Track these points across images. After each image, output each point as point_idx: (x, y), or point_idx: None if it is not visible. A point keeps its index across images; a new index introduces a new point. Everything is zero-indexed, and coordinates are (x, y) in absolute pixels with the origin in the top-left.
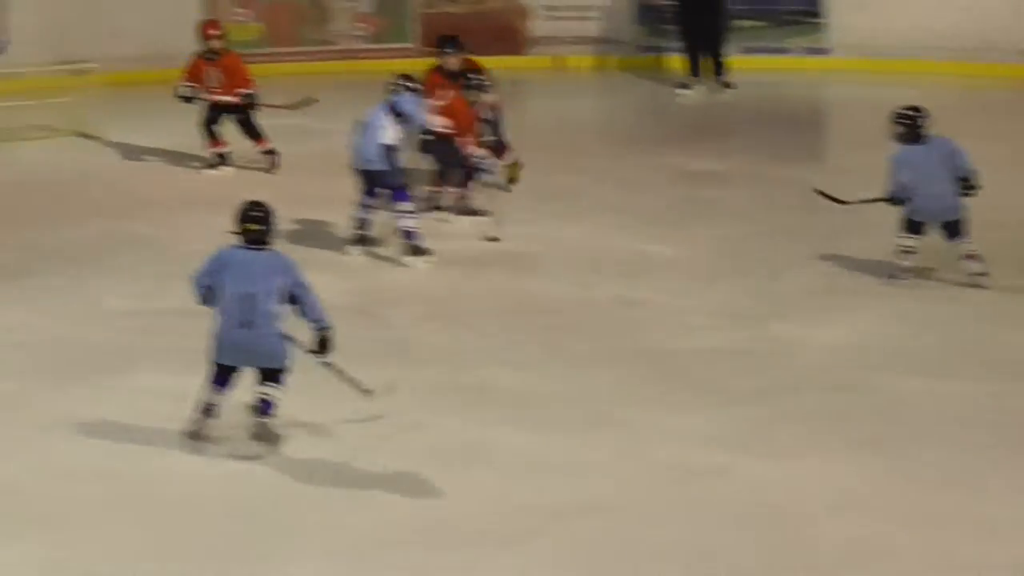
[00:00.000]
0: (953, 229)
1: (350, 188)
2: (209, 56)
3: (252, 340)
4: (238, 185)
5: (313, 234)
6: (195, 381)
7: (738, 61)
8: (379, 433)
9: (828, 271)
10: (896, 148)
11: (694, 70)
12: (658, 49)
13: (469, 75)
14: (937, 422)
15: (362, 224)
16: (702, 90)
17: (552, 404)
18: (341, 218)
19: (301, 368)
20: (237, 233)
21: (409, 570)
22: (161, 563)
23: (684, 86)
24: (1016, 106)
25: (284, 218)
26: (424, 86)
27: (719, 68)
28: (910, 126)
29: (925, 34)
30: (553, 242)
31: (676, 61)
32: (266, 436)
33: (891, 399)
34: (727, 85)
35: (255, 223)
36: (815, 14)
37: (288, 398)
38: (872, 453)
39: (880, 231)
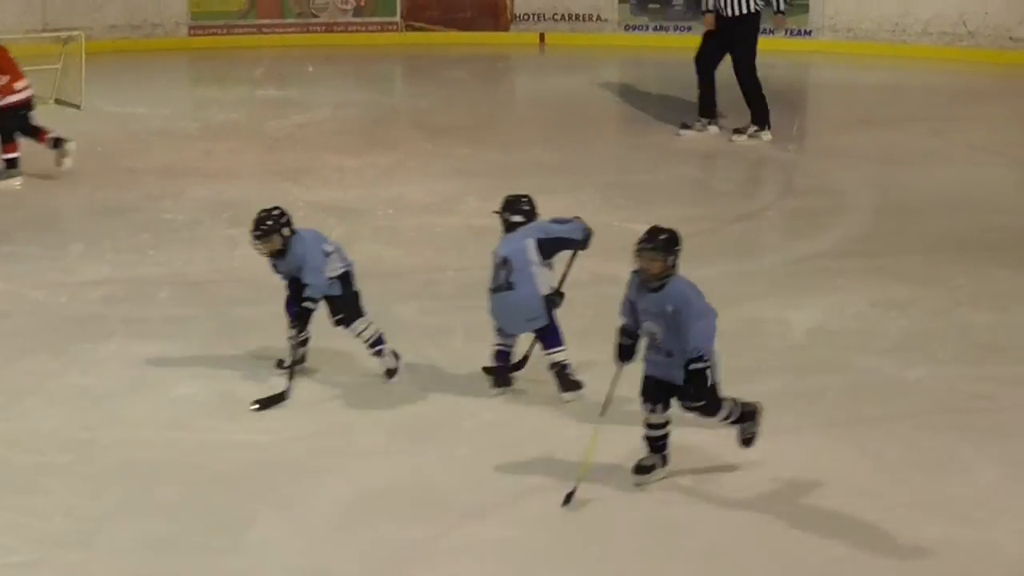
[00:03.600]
0: None
1: (329, 161)
2: None
3: None
4: (219, 157)
5: (292, 206)
6: (168, 349)
7: None
8: (349, 407)
9: (806, 253)
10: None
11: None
12: (642, 28)
13: None
14: (909, 404)
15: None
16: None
17: (523, 380)
18: (318, 188)
19: (273, 344)
20: None
21: (371, 540)
22: (126, 529)
23: (686, 126)
24: (995, 92)
25: (265, 189)
26: None
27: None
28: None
29: (908, 19)
30: None
31: (660, 40)
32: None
33: (863, 381)
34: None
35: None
36: None
37: (259, 372)
38: (843, 434)
39: (858, 216)
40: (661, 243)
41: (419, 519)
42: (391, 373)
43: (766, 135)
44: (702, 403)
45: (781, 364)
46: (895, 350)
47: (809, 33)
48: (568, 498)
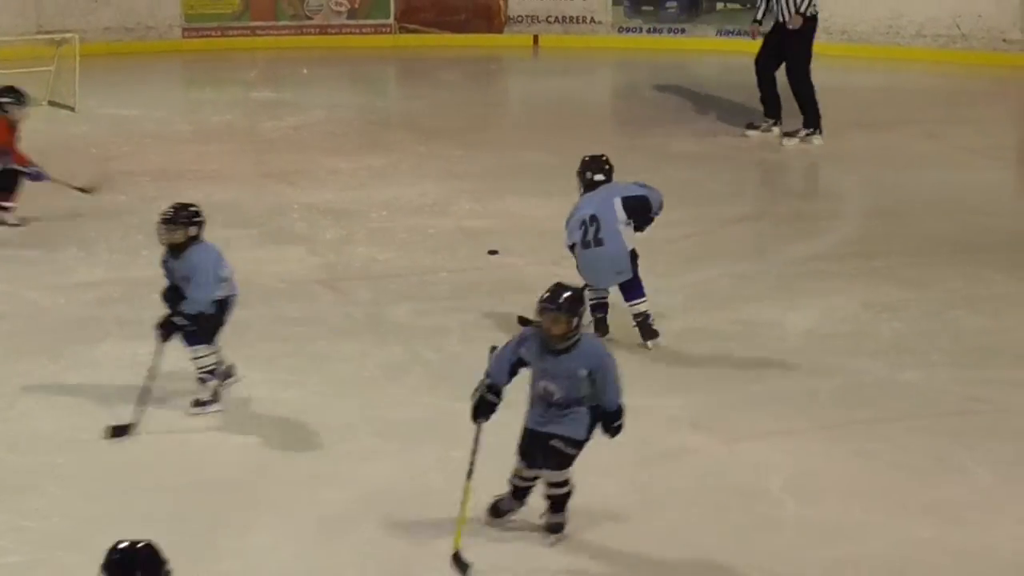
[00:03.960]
0: None
1: (322, 163)
2: None
3: None
4: (213, 159)
5: (286, 208)
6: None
7: (715, 43)
8: (345, 409)
9: (800, 256)
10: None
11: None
12: (635, 30)
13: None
14: (902, 406)
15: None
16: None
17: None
18: (312, 190)
19: (268, 346)
20: None
21: (366, 545)
22: (125, 531)
23: (752, 126)
24: (989, 94)
25: (259, 191)
26: None
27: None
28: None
29: (902, 21)
30: (521, 219)
31: (653, 42)
32: None
33: (857, 383)
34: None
35: None
36: None
37: (254, 375)
38: (837, 436)
39: (852, 218)
40: (566, 303)
41: (416, 522)
42: (197, 403)
43: (818, 139)
44: (567, 463)
45: (776, 366)
46: (888, 352)
47: None
48: (463, 568)
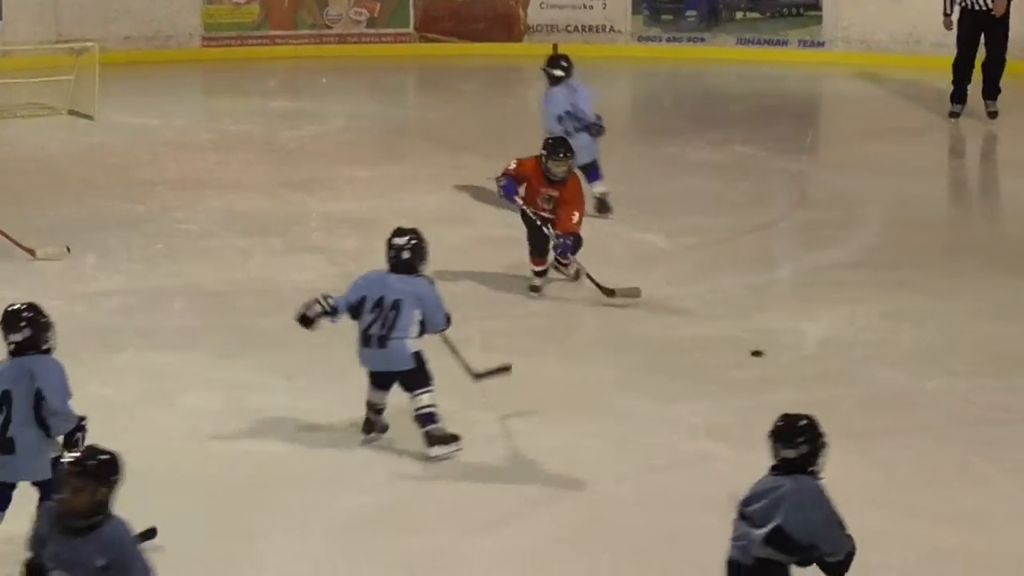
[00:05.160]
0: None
1: (342, 172)
2: None
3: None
4: (232, 168)
5: (305, 217)
6: (182, 360)
7: (735, 53)
8: (362, 418)
9: (819, 264)
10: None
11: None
12: (655, 39)
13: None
14: (923, 415)
15: None
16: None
17: (543, 390)
18: (331, 200)
19: (287, 354)
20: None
21: (384, 551)
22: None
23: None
24: (1011, 103)
25: (278, 200)
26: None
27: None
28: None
29: (921, 30)
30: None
31: (673, 52)
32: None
33: (876, 392)
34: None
35: None
36: (813, 7)
37: (272, 383)
38: (856, 445)
39: (871, 227)
40: (93, 468)
41: (431, 530)
42: None
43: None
44: None
45: (794, 375)
46: (909, 361)
47: (822, 44)
48: None
